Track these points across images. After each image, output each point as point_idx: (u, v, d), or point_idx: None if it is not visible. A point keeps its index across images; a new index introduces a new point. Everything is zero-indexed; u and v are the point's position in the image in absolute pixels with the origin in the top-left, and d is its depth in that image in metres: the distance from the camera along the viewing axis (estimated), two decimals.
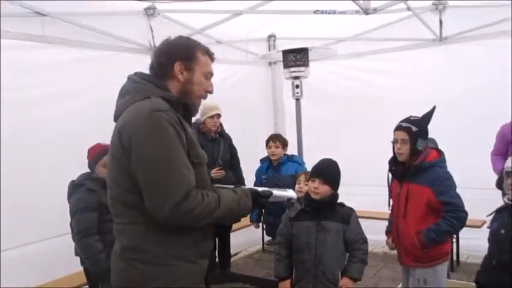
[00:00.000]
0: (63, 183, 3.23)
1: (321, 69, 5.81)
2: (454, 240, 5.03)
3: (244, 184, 4.60)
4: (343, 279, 2.86)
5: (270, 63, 6.36)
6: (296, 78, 4.94)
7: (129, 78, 1.88)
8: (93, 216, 3.07)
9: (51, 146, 3.69)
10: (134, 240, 1.76)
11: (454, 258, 5.07)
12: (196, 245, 1.82)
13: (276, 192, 2.07)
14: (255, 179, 4.48)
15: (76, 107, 3.86)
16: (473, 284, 2.63)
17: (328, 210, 2.87)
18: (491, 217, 2.47)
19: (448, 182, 2.79)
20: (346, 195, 3.01)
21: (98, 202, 3.10)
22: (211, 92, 1.96)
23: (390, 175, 3.04)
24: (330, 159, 2.97)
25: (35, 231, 3.68)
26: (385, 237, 3.20)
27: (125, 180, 1.72)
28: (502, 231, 2.28)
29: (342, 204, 2.96)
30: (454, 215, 2.74)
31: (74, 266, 3.37)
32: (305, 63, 4.78)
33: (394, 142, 2.85)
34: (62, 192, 3.22)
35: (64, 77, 3.80)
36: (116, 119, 1.83)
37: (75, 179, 3.22)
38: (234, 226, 4.79)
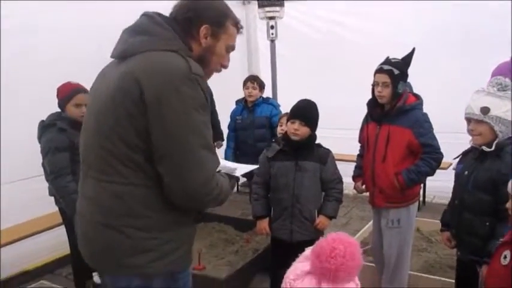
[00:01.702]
0: (34, 123, 3.13)
1: (296, 10, 5.68)
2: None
3: (220, 128, 4.58)
4: (319, 217, 2.95)
5: (243, 2, 6.16)
6: (271, 18, 4.82)
7: (147, 15, 1.62)
8: (65, 156, 3.01)
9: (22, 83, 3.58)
10: (132, 203, 1.53)
11: (421, 198, 5.28)
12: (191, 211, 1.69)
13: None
14: (229, 120, 4.46)
15: None
16: (439, 221, 2.75)
17: (306, 151, 2.92)
18: (457, 159, 2.55)
19: (427, 125, 2.83)
20: (319, 139, 3.04)
21: (69, 142, 3.03)
22: (226, 67, 1.79)
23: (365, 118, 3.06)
24: (309, 100, 2.95)
25: (6, 173, 3.61)
26: None
27: (133, 137, 1.48)
28: (466, 172, 2.36)
29: (319, 145, 3.00)
30: (432, 156, 2.80)
31: (49, 206, 3.32)
32: (280, 3, 4.64)
33: (375, 85, 2.83)
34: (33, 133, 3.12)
35: None
36: (120, 57, 1.58)
37: (44, 119, 3.12)
38: None
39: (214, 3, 1.69)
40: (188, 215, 1.66)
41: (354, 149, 3.32)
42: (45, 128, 3.04)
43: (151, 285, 1.58)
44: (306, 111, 2.90)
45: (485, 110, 2.21)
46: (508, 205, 1.87)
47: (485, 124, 2.22)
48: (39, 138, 3.06)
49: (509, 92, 2.24)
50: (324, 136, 3.21)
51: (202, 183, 1.51)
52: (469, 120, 2.29)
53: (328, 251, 1.16)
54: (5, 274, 3.71)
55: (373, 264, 3.33)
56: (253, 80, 4.28)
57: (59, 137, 3.00)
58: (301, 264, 1.25)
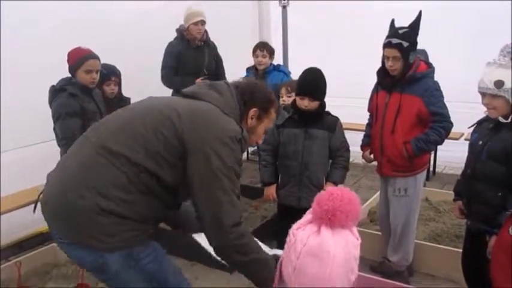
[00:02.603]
0: (44, 88, 3.14)
1: None
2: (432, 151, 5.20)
3: None
4: (326, 184, 2.97)
5: None
6: None
7: (227, 83, 1.91)
8: (76, 121, 3.04)
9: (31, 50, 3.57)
10: (124, 189, 1.67)
11: (431, 168, 5.27)
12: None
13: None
14: None
15: None
16: (448, 192, 2.75)
17: (315, 118, 2.91)
18: (471, 129, 2.51)
19: (437, 93, 2.79)
20: (328, 107, 3.01)
21: (80, 107, 3.05)
22: (258, 145, 2.15)
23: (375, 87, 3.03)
24: (315, 72, 2.90)
25: (15, 137, 3.67)
26: None
27: (166, 160, 1.68)
28: (480, 142, 2.32)
29: (328, 113, 3.00)
30: (442, 125, 2.77)
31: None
32: None
33: (385, 59, 2.79)
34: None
35: None
36: (189, 96, 1.82)
37: (55, 83, 3.13)
38: None
39: (265, 90, 1.97)
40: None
41: (363, 118, 3.30)
42: (56, 92, 3.06)
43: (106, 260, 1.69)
44: (314, 87, 2.86)
45: (499, 84, 2.14)
46: None
47: (501, 98, 2.16)
48: (50, 103, 3.09)
49: None
50: (334, 105, 3.19)
51: (232, 223, 1.67)
52: (483, 94, 2.23)
53: (326, 196, 1.24)
54: (20, 235, 3.83)
55: (379, 233, 3.36)
56: (263, 48, 4.21)
57: (70, 102, 3.03)
58: (304, 217, 1.30)
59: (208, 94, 1.82)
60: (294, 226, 1.29)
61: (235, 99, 1.85)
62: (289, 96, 3.39)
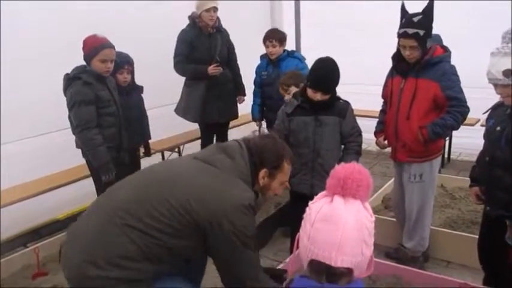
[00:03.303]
0: (59, 76, 3.17)
1: None
2: (447, 138, 5.15)
3: (241, 82, 4.56)
4: None
5: None
6: None
7: (239, 143, 1.94)
8: (91, 109, 3.06)
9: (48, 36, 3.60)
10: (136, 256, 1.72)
11: (446, 156, 5.22)
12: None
13: None
14: (254, 75, 4.42)
15: None
16: (464, 178, 2.71)
17: (325, 106, 2.87)
18: (486, 115, 2.47)
19: (454, 77, 2.75)
20: (341, 94, 2.98)
21: (94, 96, 3.07)
22: (277, 195, 2.12)
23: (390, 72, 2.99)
24: (329, 65, 2.81)
25: (32, 126, 3.71)
26: None
27: (177, 231, 1.73)
28: (498, 128, 2.27)
29: (338, 98, 2.95)
30: (459, 109, 2.73)
31: (77, 159, 3.41)
32: None
33: (401, 48, 2.74)
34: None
35: None
36: (201, 160, 1.87)
37: (69, 72, 3.15)
38: (232, 123, 4.83)
39: (275, 147, 1.94)
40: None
41: (377, 104, 3.27)
42: (70, 80, 3.08)
43: None
44: (328, 82, 2.80)
45: (507, 73, 2.07)
46: None
47: None
48: (65, 91, 3.11)
49: None
50: (347, 91, 3.16)
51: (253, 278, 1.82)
52: (495, 84, 2.18)
53: (339, 168, 1.30)
54: (37, 222, 3.90)
55: (394, 220, 3.35)
56: (271, 38, 4.12)
57: (84, 90, 3.04)
58: (319, 194, 1.35)
59: (219, 160, 1.84)
60: (311, 202, 1.34)
61: (247, 163, 1.86)
62: (289, 93, 3.36)
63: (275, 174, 1.93)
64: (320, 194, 1.34)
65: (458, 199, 3.90)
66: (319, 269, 1.25)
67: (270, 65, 4.23)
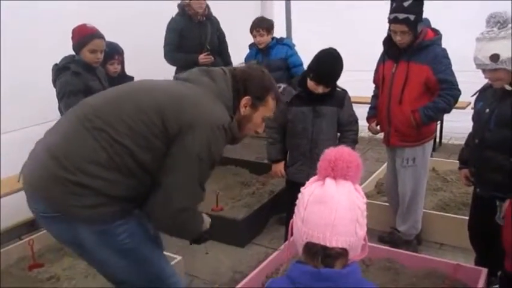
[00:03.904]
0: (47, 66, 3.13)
1: None
2: (438, 121, 5.18)
3: None
4: None
5: None
6: None
7: (223, 70, 1.87)
8: (80, 99, 3.02)
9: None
10: (107, 163, 1.65)
11: (437, 140, 5.26)
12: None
13: None
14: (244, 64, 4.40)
15: None
16: (455, 161, 2.73)
17: (324, 97, 2.84)
18: (475, 98, 2.48)
19: (446, 60, 2.76)
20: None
21: (84, 86, 3.04)
22: (259, 134, 2.07)
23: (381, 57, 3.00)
24: (334, 58, 2.73)
25: (35, 114, 3.66)
26: None
27: (155, 136, 1.67)
28: (487, 110, 2.28)
29: (336, 86, 2.92)
30: (450, 92, 2.74)
31: None
32: None
33: (392, 33, 2.74)
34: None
35: None
36: (175, 78, 1.83)
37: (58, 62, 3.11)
38: None
39: (262, 78, 1.88)
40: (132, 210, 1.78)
41: (369, 91, 3.27)
42: (60, 71, 3.04)
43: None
44: (331, 77, 2.75)
45: (495, 58, 2.07)
46: None
47: (501, 70, 2.11)
48: (54, 81, 3.07)
49: (510, 26, 2.07)
50: (340, 80, 3.15)
51: (184, 207, 1.72)
52: (483, 69, 2.19)
53: (329, 151, 1.31)
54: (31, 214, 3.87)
55: (387, 204, 3.38)
56: (258, 27, 4.05)
57: (74, 81, 3.01)
58: (311, 178, 1.35)
59: (201, 80, 1.79)
60: (302, 188, 1.35)
61: (230, 87, 1.81)
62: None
63: (258, 105, 1.87)
64: (312, 179, 1.35)
65: (450, 182, 3.94)
66: (315, 252, 1.26)
67: (259, 53, 4.20)
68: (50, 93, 3.14)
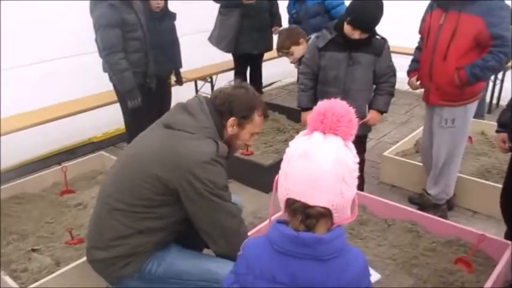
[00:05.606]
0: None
1: None
2: (496, 81, 4.79)
3: (277, 11, 4.36)
4: (370, 112, 2.81)
5: None
6: None
7: (198, 99, 1.92)
8: (116, 33, 3.03)
9: None
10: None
11: (494, 101, 4.88)
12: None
13: None
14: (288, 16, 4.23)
15: None
16: None
17: (361, 42, 2.65)
18: None
19: (502, 13, 2.45)
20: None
21: (120, 19, 3.03)
22: (249, 145, 2.09)
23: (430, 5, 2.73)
24: (375, 5, 2.54)
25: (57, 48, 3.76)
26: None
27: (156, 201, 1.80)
28: None
29: (375, 33, 2.72)
30: (503, 49, 2.45)
31: (104, 83, 3.45)
32: None
33: None
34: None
35: None
36: (165, 125, 1.87)
37: None
38: (267, 56, 4.70)
39: (245, 98, 1.91)
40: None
41: (413, 41, 3.02)
42: (96, 2, 3.03)
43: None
44: (370, 22, 2.57)
45: None
46: None
47: None
48: (91, 12, 3.08)
49: None
50: (383, 27, 2.92)
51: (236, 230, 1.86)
52: None
53: (321, 103, 1.23)
54: (73, 141, 4.09)
55: (421, 164, 3.21)
56: None
57: (109, 13, 3.00)
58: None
59: (180, 120, 1.85)
60: (290, 141, 1.26)
61: (209, 116, 1.86)
62: (292, 54, 3.20)
63: (244, 124, 1.93)
64: (301, 133, 1.26)
65: (498, 148, 3.66)
66: (295, 209, 1.19)
67: (296, 2, 4.02)
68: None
